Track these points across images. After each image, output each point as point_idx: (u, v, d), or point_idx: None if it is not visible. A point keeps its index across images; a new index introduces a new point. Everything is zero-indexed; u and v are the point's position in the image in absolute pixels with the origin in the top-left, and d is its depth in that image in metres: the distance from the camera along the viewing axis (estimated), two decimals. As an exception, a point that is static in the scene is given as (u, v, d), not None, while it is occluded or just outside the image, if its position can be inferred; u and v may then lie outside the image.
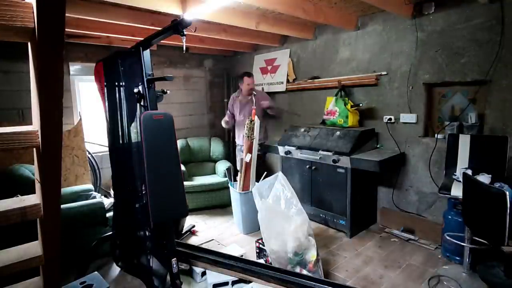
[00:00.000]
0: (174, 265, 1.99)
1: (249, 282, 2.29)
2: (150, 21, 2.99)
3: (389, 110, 3.25)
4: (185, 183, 3.36)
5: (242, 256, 2.67)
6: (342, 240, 3.10)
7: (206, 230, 3.44)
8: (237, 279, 2.33)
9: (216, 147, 4.56)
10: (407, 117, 3.11)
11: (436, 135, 2.93)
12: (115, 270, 2.60)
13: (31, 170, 2.68)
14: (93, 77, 2.50)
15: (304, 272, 2.27)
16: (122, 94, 2.29)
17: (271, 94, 4.54)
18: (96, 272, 2.07)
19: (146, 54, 2.11)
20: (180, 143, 4.25)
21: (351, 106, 3.31)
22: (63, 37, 0.79)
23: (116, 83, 2.34)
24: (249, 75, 3.85)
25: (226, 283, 2.32)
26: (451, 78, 2.80)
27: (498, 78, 2.53)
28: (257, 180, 3.37)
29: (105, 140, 2.67)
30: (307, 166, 3.40)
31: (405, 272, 2.50)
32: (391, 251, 2.85)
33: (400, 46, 3.10)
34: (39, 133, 0.93)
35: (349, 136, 3.13)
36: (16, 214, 1.02)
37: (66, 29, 1.17)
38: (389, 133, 3.25)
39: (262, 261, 2.58)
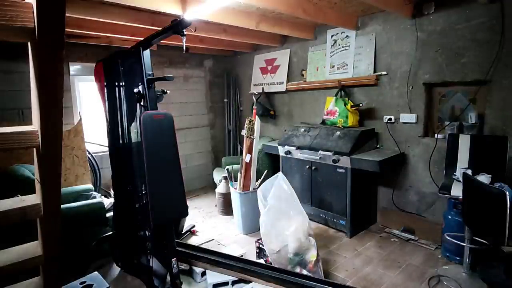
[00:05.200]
0: (174, 265, 1.99)
1: (249, 282, 2.29)
2: (150, 21, 2.99)
3: (389, 110, 3.25)
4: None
5: (242, 256, 2.67)
6: (342, 240, 3.10)
7: (206, 230, 3.44)
8: (237, 279, 2.33)
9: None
10: (407, 117, 3.11)
11: (436, 135, 2.93)
12: (115, 270, 2.60)
13: (31, 170, 2.68)
14: (93, 77, 2.50)
15: (304, 272, 2.27)
16: (122, 94, 2.29)
17: (271, 94, 4.55)
18: (96, 272, 2.07)
19: (146, 54, 2.12)
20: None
21: (351, 106, 3.31)
22: (63, 37, 0.79)
23: (116, 83, 2.34)
24: None
25: (226, 283, 2.32)
26: (451, 78, 2.80)
27: (498, 78, 2.53)
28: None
29: (105, 140, 2.67)
30: (307, 166, 3.39)
31: (405, 272, 2.50)
32: (391, 251, 2.85)
33: (400, 46, 3.10)
34: (39, 133, 0.93)
35: (349, 136, 3.13)
36: (16, 214, 1.02)
37: (66, 29, 1.16)
38: (389, 133, 3.25)
39: (262, 261, 2.58)
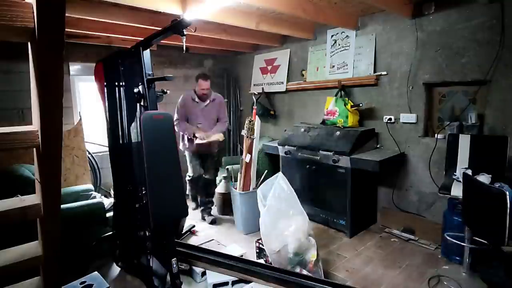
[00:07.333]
0: (174, 265, 1.99)
1: (249, 282, 2.29)
2: (150, 21, 2.99)
3: (389, 110, 3.25)
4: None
5: (242, 256, 2.67)
6: (342, 240, 3.10)
7: (206, 230, 3.44)
8: (237, 279, 2.33)
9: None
10: (407, 117, 3.10)
11: (436, 135, 2.93)
12: (115, 270, 2.60)
13: (31, 170, 2.67)
14: (93, 77, 2.50)
15: (304, 272, 2.27)
16: (122, 94, 2.29)
17: (271, 94, 4.55)
18: (96, 272, 2.07)
19: (146, 54, 2.11)
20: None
21: (351, 106, 3.31)
22: (63, 37, 0.79)
23: (116, 83, 2.34)
24: (205, 78, 3.44)
25: (226, 283, 2.32)
26: (451, 78, 2.80)
27: (498, 78, 2.53)
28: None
29: (105, 140, 2.67)
30: (307, 166, 3.39)
31: (405, 272, 2.50)
32: (391, 251, 2.85)
33: (400, 46, 3.10)
34: (39, 133, 0.93)
35: (349, 136, 3.13)
36: (16, 214, 1.02)
37: (66, 29, 1.16)
38: (389, 133, 3.25)
39: (262, 261, 2.58)
